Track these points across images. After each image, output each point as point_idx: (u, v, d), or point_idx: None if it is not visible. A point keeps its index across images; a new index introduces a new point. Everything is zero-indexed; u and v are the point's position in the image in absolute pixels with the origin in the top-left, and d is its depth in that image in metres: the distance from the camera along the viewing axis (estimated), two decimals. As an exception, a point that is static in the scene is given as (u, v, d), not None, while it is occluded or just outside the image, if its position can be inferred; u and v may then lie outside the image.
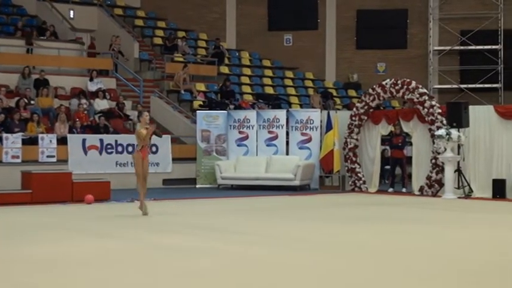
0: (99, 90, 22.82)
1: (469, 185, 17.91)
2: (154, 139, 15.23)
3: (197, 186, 21.11)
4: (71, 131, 20.15)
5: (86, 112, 21.58)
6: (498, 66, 26.63)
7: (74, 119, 20.74)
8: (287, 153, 21.08)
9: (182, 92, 24.69)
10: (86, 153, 19.68)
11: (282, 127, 21.21)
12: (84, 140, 19.78)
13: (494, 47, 26.75)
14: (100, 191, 16.19)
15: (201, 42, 29.09)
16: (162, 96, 24.35)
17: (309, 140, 20.96)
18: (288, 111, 21.96)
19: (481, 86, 26.60)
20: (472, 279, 7.42)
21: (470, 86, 26.73)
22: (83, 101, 21.93)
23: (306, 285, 7.12)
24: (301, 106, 26.04)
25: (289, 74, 28.75)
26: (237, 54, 29.04)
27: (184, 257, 8.74)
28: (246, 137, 21.34)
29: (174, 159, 21.03)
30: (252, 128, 21.33)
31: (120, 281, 7.29)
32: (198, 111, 22.30)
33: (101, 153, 19.89)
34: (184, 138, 22.86)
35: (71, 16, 26.81)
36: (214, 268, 7.93)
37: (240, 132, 21.39)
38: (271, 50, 28.79)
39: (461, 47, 27.23)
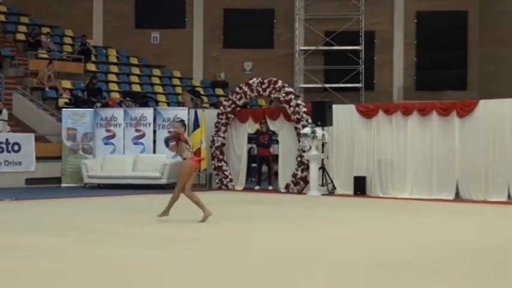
0: (-44, 87, 21.96)
1: (332, 182, 18.42)
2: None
3: (62, 185, 20.66)
4: None
5: None
6: (359, 67, 27.49)
7: None
8: (154, 152, 20.97)
9: (47, 89, 24.08)
10: None
11: (150, 125, 21.10)
12: None
13: (355, 47, 27.58)
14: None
15: (67, 38, 28.47)
16: (25, 93, 23.66)
17: (177, 138, 20.90)
18: (155, 109, 21.89)
19: (343, 85, 27.37)
20: (339, 275, 7.65)
21: (333, 85, 27.45)
22: None
23: (171, 285, 7.14)
24: (168, 104, 25.98)
25: (157, 72, 28.59)
26: (104, 51, 28.61)
27: (45, 258, 8.56)
28: (113, 135, 21.08)
29: (38, 158, 20.49)
30: (119, 126, 21.09)
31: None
32: (63, 109, 21.83)
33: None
34: (49, 136, 22.30)
35: None
36: (73, 269, 7.82)
37: (107, 131, 21.10)
38: (138, 47, 28.55)
39: (326, 47, 27.93)
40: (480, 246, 9.49)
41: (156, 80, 28.08)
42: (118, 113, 21.37)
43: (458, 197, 16.77)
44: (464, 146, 16.70)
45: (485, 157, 16.43)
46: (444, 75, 26.74)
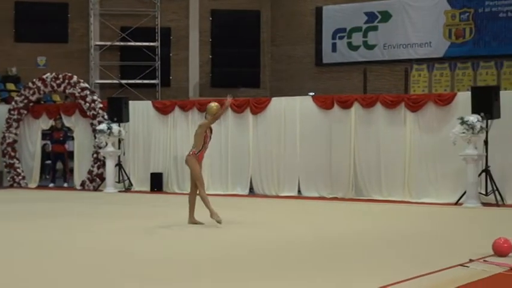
0: None
1: (129, 179, 18.43)
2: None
3: None
4: None
5: None
6: (156, 63, 27.57)
7: None
8: None
9: None
10: None
11: None
12: None
13: (152, 44, 27.62)
14: None
15: None
16: None
17: (-37, 134, 20.03)
18: None
19: (140, 81, 27.33)
20: (139, 271, 7.71)
21: (130, 81, 27.33)
22: None
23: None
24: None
25: None
26: None
27: None
28: None
29: None
30: None
31: None
32: None
33: None
34: None
35: None
36: None
37: None
38: None
39: (122, 43, 27.74)
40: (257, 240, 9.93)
41: None
42: None
43: (252, 192, 17.35)
44: (258, 142, 17.30)
45: (277, 153, 17.12)
46: (238, 73, 27.44)
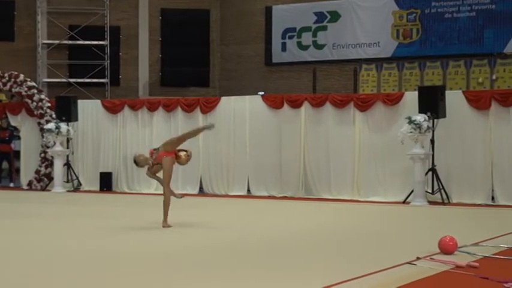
0: None
1: (77, 178, 18.27)
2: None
3: None
4: None
5: None
6: (105, 62, 27.34)
7: None
8: None
9: None
10: None
11: None
12: None
13: (101, 42, 27.39)
14: None
15: None
16: None
17: None
18: None
19: (89, 80, 27.08)
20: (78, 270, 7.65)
21: (79, 80, 27.06)
22: None
23: None
24: None
25: None
26: None
27: None
28: None
29: None
30: None
31: None
32: None
33: None
34: None
35: None
36: None
37: None
38: None
39: (70, 42, 27.45)
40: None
41: None
42: None
43: (201, 192, 17.33)
44: (208, 141, 17.27)
45: (226, 152, 17.14)
46: (188, 72, 27.36)
